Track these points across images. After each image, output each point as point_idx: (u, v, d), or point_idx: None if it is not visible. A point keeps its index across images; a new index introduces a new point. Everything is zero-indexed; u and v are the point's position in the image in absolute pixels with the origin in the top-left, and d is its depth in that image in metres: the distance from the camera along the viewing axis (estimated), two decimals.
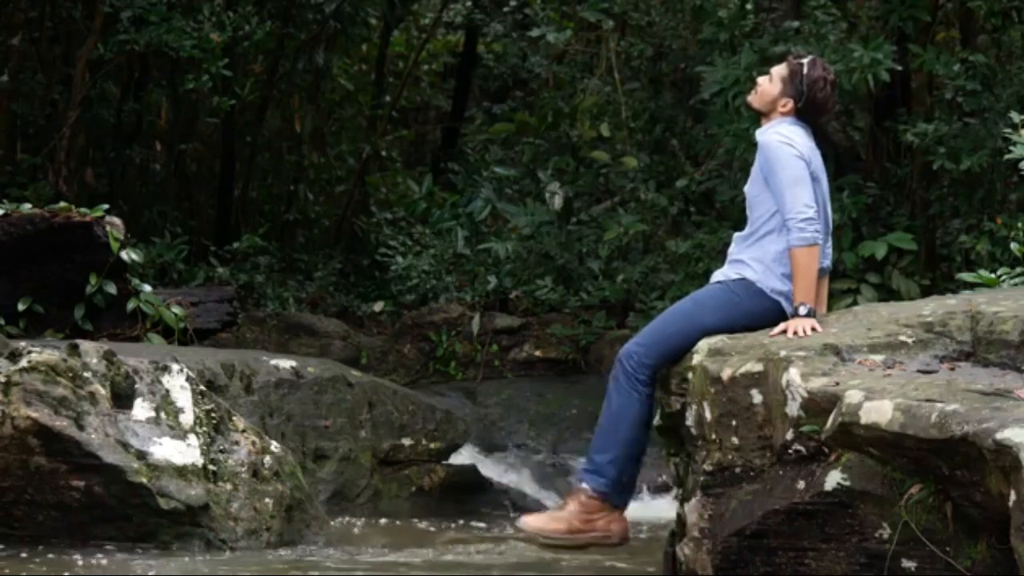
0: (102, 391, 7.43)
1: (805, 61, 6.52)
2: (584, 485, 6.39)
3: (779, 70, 6.56)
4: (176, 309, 10.59)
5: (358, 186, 16.80)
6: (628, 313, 12.80)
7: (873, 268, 11.45)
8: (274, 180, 17.27)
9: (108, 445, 7.27)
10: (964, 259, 11.61)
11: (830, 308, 6.87)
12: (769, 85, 6.54)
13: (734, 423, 6.07)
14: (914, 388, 5.42)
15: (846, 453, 5.70)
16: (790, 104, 6.49)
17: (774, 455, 5.96)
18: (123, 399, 7.54)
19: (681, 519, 6.37)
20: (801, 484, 5.81)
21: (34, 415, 7.19)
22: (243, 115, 15.88)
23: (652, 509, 9.56)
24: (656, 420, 6.54)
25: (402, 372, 12.77)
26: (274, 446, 7.89)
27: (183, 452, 7.46)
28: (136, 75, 15.56)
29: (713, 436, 6.14)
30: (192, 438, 7.53)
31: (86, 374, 7.43)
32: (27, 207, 10.18)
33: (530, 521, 6.47)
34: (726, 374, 6.09)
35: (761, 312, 6.35)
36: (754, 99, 6.60)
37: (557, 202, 13.12)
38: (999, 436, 4.87)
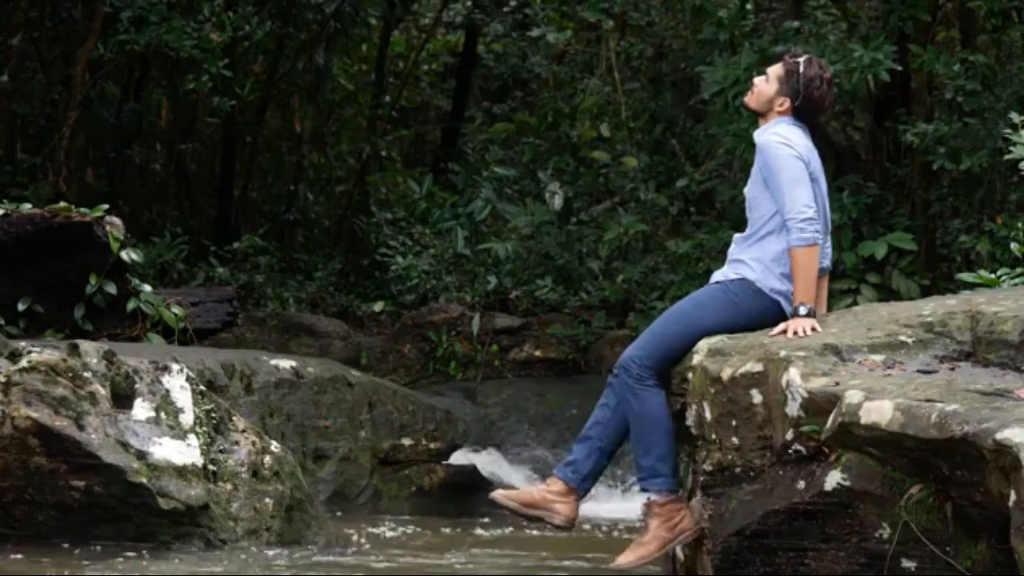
0: (102, 391, 7.42)
1: (801, 60, 6.52)
2: (651, 497, 6.27)
3: (775, 70, 6.55)
4: (176, 309, 10.59)
5: (358, 186, 16.79)
6: (628, 313, 12.80)
7: (873, 268, 11.45)
8: (274, 180, 17.25)
9: (108, 445, 7.27)
10: (964, 259, 11.61)
11: (830, 308, 6.87)
12: (765, 85, 6.53)
13: (734, 423, 6.07)
14: (914, 388, 5.42)
15: (846, 453, 5.70)
16: (787, 103, 6.48)
17: (774, 455, 5.96)
18: (123, 399, 7.53)
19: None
20: (801, 484, 5.81)
21: (34, 415, 7.19)
22: (243, 115, 15.87)
23: None
24: None
25: (402, 372, 12.77)
26: (274, 446, 7.89)
27: (183, 452, 7.46)
28: (136, 75, 15.56)
29: (713, 436, 6.14)
30: (192, 438, 7.53)
31: (86, 374, 7.43)
32: (27, 207, 10.18)
33: (623, 560, 6.30)
34: (726, 374, 6.09)
35: (761, 312, 6.35)
36: (751, 100, 6.60)
37: (557, 202, 13.12)
38: (999, 436, 4.87)
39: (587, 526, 9.07)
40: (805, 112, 6.49)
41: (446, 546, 8.28)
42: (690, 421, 6.26)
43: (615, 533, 9.04)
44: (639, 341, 6.42)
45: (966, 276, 7.34)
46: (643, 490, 6.33)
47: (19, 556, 7.01)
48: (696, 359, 6.25)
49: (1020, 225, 8.65)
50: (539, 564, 7.56)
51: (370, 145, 16.68)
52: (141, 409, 7.53)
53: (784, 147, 6.35)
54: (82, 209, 10.22)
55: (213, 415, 7.71)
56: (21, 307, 10.12)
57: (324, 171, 17.38)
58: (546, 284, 13.13)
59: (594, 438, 6.40)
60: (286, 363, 9.90)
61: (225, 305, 11.39)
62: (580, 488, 6.41)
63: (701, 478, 6.18)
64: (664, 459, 6.27)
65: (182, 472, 7.39)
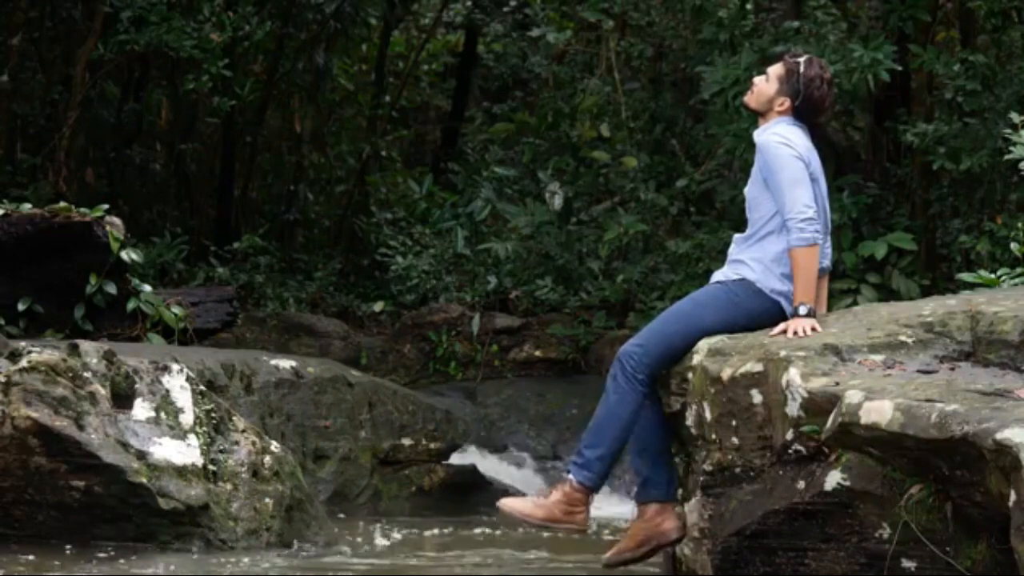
0: (102, 391, 7.43)
1: (801, 60, 6.52)
2: (570, 477, 6.35)
3: (775, 69, 6.55)
4: (176, 309, 10.59)
5: (358, 186, 16.79)
6: (628, 313, 12.80)
7: (873, 268, 11.45)
8: (274, 180, 17.26)
9: (108, 445, 7.27)
10: (964, 259, 11.61)
11: (830, 308, 6.87)
12: (766, 84, 6.53)
13: (734, 423, 6.07)
14: (914, 388, 5.42)
15: (846, 453, 5.70)
16: (787, 103, 6.48)
17: (774, 455, 5.96)
18: (123, 399, 7.54)
19: (681, 519, 6.37)
20: (801, 484, 5.81)
21: (34, 415, 7.20)
22: (243, 115, 15.87)
23: None
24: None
25: (402, 372, 12.77)
26: (274, 446, 7.89)
27: (183, 452, 7.46)
28: (136, 75, 15.56)
29: (713, 436, 6.14)
30: (192, 438, 7.54)
31: (86, 374, 7.43)
32: (27, 207, 10.18)
33: (511, 504, 6.46)
34: (726, 374, 6.09)
35: (761, 312, 6.35)
36: (751, 99, 6.60)
37: (557, 202, 13.12)
38: (999, 436, 4.88)
39: (594, 526, 9.06)
40: (805, 112, 6.49)
41: (446, 546, 8.28)
42: (690, 421, 6.26)
43: (610, 534, 9.03)
44: (639, 337, 6.40)
45: (966, 276, 7.34)
46: (567, 470, 6.40)
47: (30, 557, 7.01)
48: (696, 359, 6.25)
49: (1020, 225, 8.65)
50: (538, 564, 7.56)
51: (370, 145, 16.68)
52: (141, 409, 7.54)
53: (784, 147, 6.35)
54: (82, 209, 10.22)
55: (213, 415, 7.71)
56: (21, 307, 10.12)
57: (324, 171, 17.38)
58: (546, 284, 13.13)
59: (648, 449, 6.42)
60: (286, 363, 9.90)
61: (225, 305, 11.38)
62: (668, 498, 6.43)
63: (701, 478, 6.18)
64: (603, 460, 6.30)
65: (182, 472, 7.39)
